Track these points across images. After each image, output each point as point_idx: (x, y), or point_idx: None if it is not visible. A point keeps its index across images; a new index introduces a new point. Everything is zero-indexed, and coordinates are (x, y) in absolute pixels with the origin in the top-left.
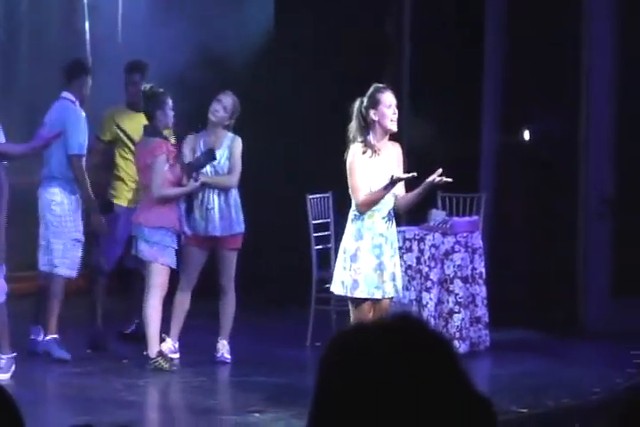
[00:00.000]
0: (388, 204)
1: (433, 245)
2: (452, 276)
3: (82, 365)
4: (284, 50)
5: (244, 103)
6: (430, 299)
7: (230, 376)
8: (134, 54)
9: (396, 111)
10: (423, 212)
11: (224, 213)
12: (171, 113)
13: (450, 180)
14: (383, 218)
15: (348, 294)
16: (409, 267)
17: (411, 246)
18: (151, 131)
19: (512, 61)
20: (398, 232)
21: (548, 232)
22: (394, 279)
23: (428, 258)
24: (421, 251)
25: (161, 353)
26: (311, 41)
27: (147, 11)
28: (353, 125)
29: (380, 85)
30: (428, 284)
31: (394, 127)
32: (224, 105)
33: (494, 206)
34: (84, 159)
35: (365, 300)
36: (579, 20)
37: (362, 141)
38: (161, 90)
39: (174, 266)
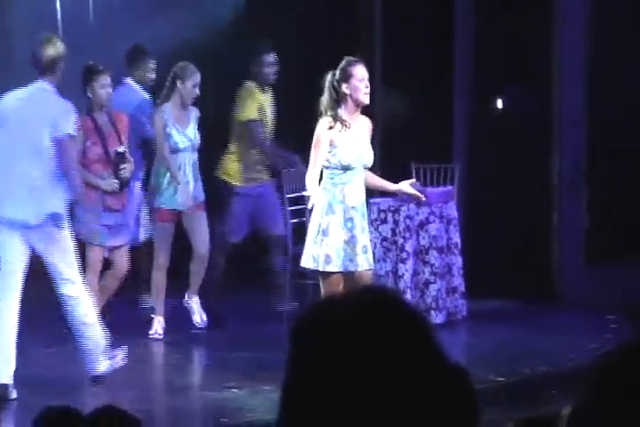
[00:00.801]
0: (359, 175)
1: (408, 217)
2: (427, 246)
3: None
4: (253, 23)
5: (212, 84)
6: (406, 270)
7: (207, 352)
8: (106, 38)
9: (368, 85)
10: (397, 182)
11: (196, 184)
12: (101, 91)
13: (423, 198)
14: (354, 191)
15: (320, 269)
16: (384, 239)
17: (385, 218)
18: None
19: (483, 32)
20: (373, 204)
21: (523, 202)
22: (366, 252)
23: (403, 229)
24: (396, 222)
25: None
26: (280, 15)
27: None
28: (324, 99)
29: (352, 58)
30: (404, 255)
31: (366, 100)
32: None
33: (468, 177)
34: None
35: (336, 273)
36: None
37: (332, 115)
38: (100, 68)
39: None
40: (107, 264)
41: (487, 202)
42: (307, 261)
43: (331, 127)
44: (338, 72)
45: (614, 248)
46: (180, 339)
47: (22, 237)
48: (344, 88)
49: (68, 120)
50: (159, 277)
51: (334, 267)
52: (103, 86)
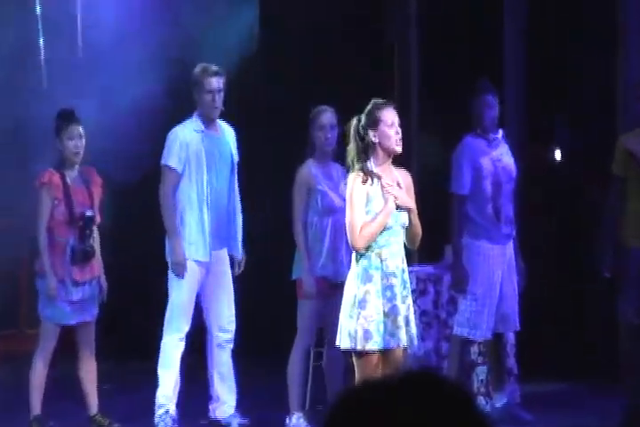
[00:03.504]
0: (396, 237)
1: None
2: None
3: None
4: (271, 64)
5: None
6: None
7: None
8: (97, 71)
9: (400, 130)
10: (438, 247)
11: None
12: (69, 143)
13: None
14: (393, 254)
15: (359, 348)
16: (424, 313)
17: (425, 288)
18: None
19: (533, 72)
20: (410, 272)
21: (580, 267)
22: (408, 325)
23: (447, 302)
24: (438, 293)
25: None
26: (299, 51)
27: (113, 22)
28: (351, 149)
29: (380, 101)
30: (448, 332)
31: (398, 149)
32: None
33: (520, 237)
34: None
35: (376, 352)
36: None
37: (360, 168)
38: (73, 115)
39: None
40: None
41: (543, 267)
42: (343, 341)
43: (364, 181)
44: (364, 117)
45: None
46: None
47: None
48: (371, 135)
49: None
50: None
51: (374, 344)
52: (72, 138)
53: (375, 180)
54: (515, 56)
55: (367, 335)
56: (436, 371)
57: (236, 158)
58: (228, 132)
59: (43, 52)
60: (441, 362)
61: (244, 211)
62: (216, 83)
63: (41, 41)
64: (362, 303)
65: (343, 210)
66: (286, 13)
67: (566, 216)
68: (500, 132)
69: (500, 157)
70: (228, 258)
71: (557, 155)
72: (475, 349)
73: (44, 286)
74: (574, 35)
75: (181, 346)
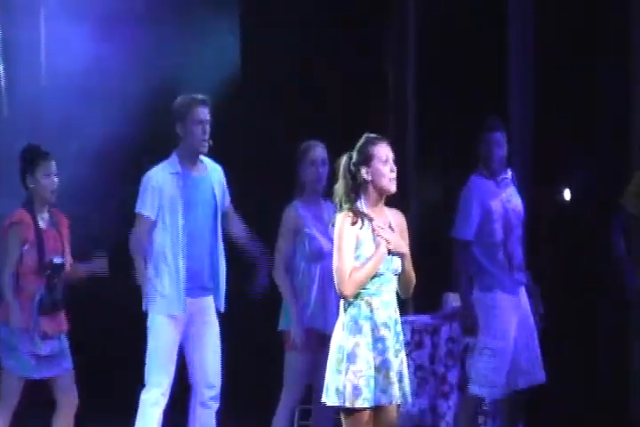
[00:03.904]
0: (388, 285)
1: (450, 339)
2: None
3: None
4: (252, 97)
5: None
6: (449, 407)
7: None
8: (61, 99)
9: (394, 168)
10: (436, 295)
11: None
12: (45, 181)
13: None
14: (384, 303)
15: (348, 405)
16: (419, 367)
17: (421, 341)
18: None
19: (540, 104)
20: (405, 322)
21: (594, 326)
22: (401, 381)
23: (445, 355)
24: (435, 346)
25: None
26: (284, 82)
27: (79, 49)
28: (340, 187)
29: (373, 135)
30: (446, 388)
31: (392, 188)
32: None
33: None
34: None
35: (366, 409)
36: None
37: (349, 209)
38: (43, 150)
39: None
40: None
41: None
42: (330, 397)
43: (354, 222)
44: (355, 153)
45: None
46: None
47: None
48: (364, 173)
49: None
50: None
51: (364, 401)
52: (49, 175)
53: (366, 222)
54: (520, 87)
55: (357, 391)
56: None
57: (226, 199)
58: (213, 171)
59: (3, 80)
60: (437, 421)
61: (225, 255)
62: (206, 113)
63: (1, 68)
64: (351, 357)
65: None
66: (271, 42)
67: (578, 259)
68: (509, 172)
69: (509, 198)
70: (212, 306)
71: (567, 194)
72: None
73: (8, 335)
74: (585, 64)
75: (161, 403)
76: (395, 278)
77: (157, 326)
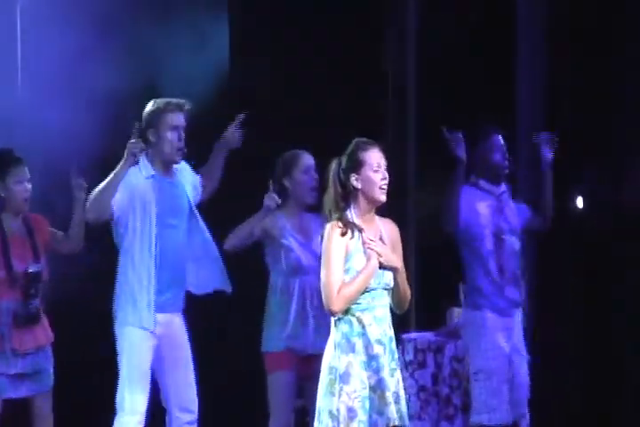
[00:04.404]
0: (380, 300)
1: (455, 358)
2: None
3: None
4: (244, 97)
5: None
6: None
7: None
8: (37, 102)
9: (386, 175)
10: (439, 311)
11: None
12: (17, 188)
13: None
14: (377, 319)
15: None
16: (422, 388)
17: (424, 360)
18: None
19: (552, 113)
20: (407, 340)
21: (607, 348)
22: (398, 401)
23: (449, 375)
24: (439, 366)
25: None
26: (273, 87)
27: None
28: (329, 196)
29: (364, 140)
30: (450, 410)
31: (382, 197)
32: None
33: (537, 299)
34: None
35: None
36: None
37: (338, 218)
38: (15, 156)
39: None
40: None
41: (560, 336)
42: (323, 422)
43: (344, 233)
44: (345, 159)
45: None
46: None
47: None
48: (353, 180)
49: None
50: None
51: (360, 424)
52: (21, 181)
53: (356, 232)
54: (529, 88)
55: (351, 414)
56: None
57: (196, 198)
58: (182, 171)
59: None
60: None
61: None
62: (181, 118)
63: None
64: (344, 377)
65: (314, 270)
66: (260, 42)
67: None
68: (504, 186)
69: (504, 209)
70: (183, 325)
71: (580, 203)
72: None
73: None
74: (600, 64)
75: None
76: (387, 293)
77: (129, 341)
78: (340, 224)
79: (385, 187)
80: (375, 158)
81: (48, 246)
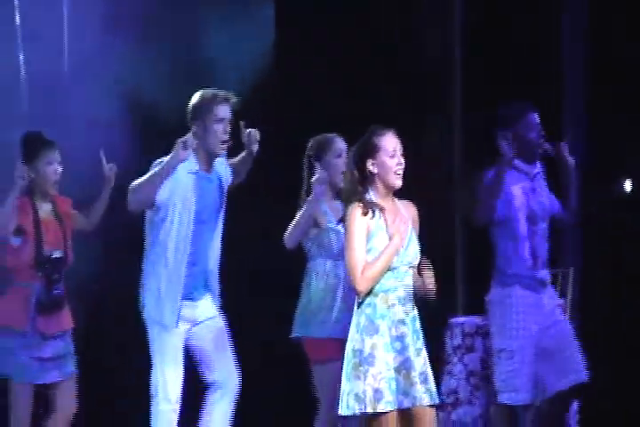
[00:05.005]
0: (403, 279)
1: None
2: None
3: None
4: (286, 89)
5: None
6: None
7: None
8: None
9: (402, 161)
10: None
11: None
12: (48, 169)
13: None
14: (400, 300)
15: (370, 410)
16: (471, 373)
17: (473, 344)
18: None
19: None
20: (455, 325)
21: None
22: (426, 381)
23: None
24: (487, 350)
25: None
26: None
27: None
28: (347, 180)
29: (380, 127)
30: None
31: (397, 182)
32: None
33: (583, 286)
34: None
35: (389, 413)
36: None
37: (358, 200)
38: (46, 138)
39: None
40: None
41: (606, 321)
42: (349, 405)
43: (365, 213)
44: (361, 145)
45: None
46: None
47: None
48: (369, 165)
49: None
50: None
51: (387, 405)
52: (51, 163)
53: (377, 212)
54: (574, 67)
55: (378, 395)
56: None
57: (228, 182)
58: (218, 164)
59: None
60: None
61: (234, 251)
62: (227, 111)
63: (21, 57)
64: (369, 359)
65: None
66: (306, 29)
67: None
68: (539, 165)
69: (537, 189)
70: (214, 305)
71: (628, 186)
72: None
73: (3, 338)
74: None
75: (173, 417)
76: (410, 272)
77: (157, 333)
78: (361, 204)
79: (400, 172)
80: (391, 144)
81: (71, 232)
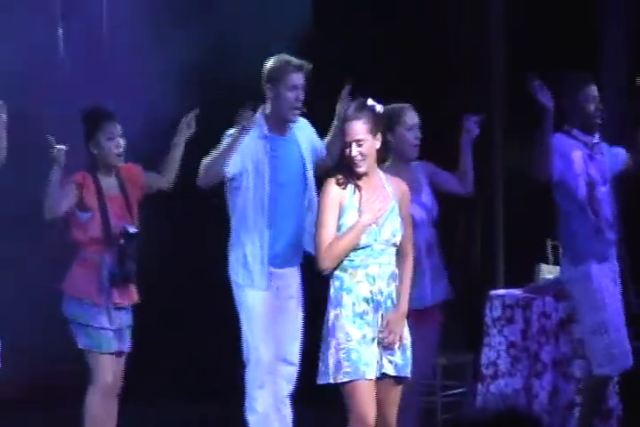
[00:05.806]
0: (378, 258)
1: (543, 314)
2: (570, 355)
3: None
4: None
5: None
6: (542, 387)
7: None
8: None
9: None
10: (528, 267)
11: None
12: (109, 144)
13: None
14: (369, 277)
15: (331, 380)
16: (512, 344)
17: (513, 316)
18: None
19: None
20: (495, 297)
21: None
22: (392, 354)
23: (538, 332)
24: (527, 322)
25: None
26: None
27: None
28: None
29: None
30: (539, 367)
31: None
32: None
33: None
34: None
35: (352, 382)
36: None
37: (335, 175)
38: (108, 111)
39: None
40: None
41: None
42: (320, 375)
43: (340, 184)
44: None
45: None
46: None
47: None
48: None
49: None
50: None
51: (345, 375)
52: (113, 137)
53: (353, 188)
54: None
55: (338, 365)
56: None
57: (320, 152)
58: (302, 128)
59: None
60: (532, 402)
61: None
62: (301, 78)
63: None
64: (332, 330)
65: (424, 222)
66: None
67: None
68: (597, 136)
69: (595, 156)
70: (298, 280)
71: None
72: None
73: (78, 310)
74: None
75: (268, 384)
76: (391, 250)
77: (244, 301)
78: (339, 176)
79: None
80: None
81: (141, 201)
